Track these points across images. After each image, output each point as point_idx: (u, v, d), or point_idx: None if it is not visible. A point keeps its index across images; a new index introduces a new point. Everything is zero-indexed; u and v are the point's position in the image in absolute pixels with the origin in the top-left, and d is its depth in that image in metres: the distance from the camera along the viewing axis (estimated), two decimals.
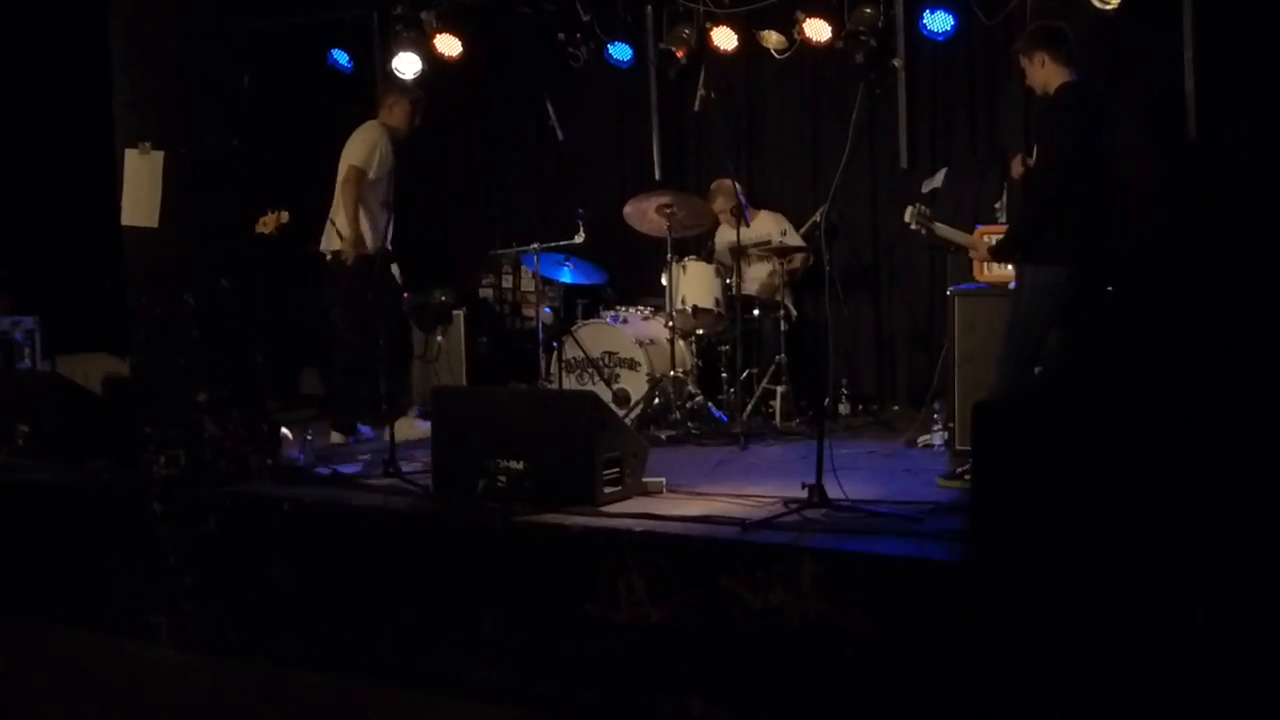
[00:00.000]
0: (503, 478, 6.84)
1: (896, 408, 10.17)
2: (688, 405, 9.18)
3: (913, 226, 7.69)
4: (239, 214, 7.59)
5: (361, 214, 9.08)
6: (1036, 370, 7.16)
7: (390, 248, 9.27)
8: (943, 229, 7.80)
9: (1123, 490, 5.64)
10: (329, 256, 9.21)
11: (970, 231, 7.92)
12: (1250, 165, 8.61)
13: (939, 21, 9.54)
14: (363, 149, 9.13)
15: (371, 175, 9.10)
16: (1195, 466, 5.03)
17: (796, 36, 10.07)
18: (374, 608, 6.83)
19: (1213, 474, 5.02)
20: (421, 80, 11.07)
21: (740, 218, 9.25)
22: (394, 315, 9.46)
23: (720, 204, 9.93)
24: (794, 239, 9.95)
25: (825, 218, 8.95)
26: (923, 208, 7.75)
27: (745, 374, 9.36)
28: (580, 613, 6.19)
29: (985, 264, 7.97)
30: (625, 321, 9.74)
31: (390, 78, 9.99)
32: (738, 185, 9.40)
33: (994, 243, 7.33)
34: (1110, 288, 7.12)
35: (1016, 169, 7.43)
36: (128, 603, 7.46)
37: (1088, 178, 6.83)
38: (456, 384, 10.23)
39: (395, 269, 9.56)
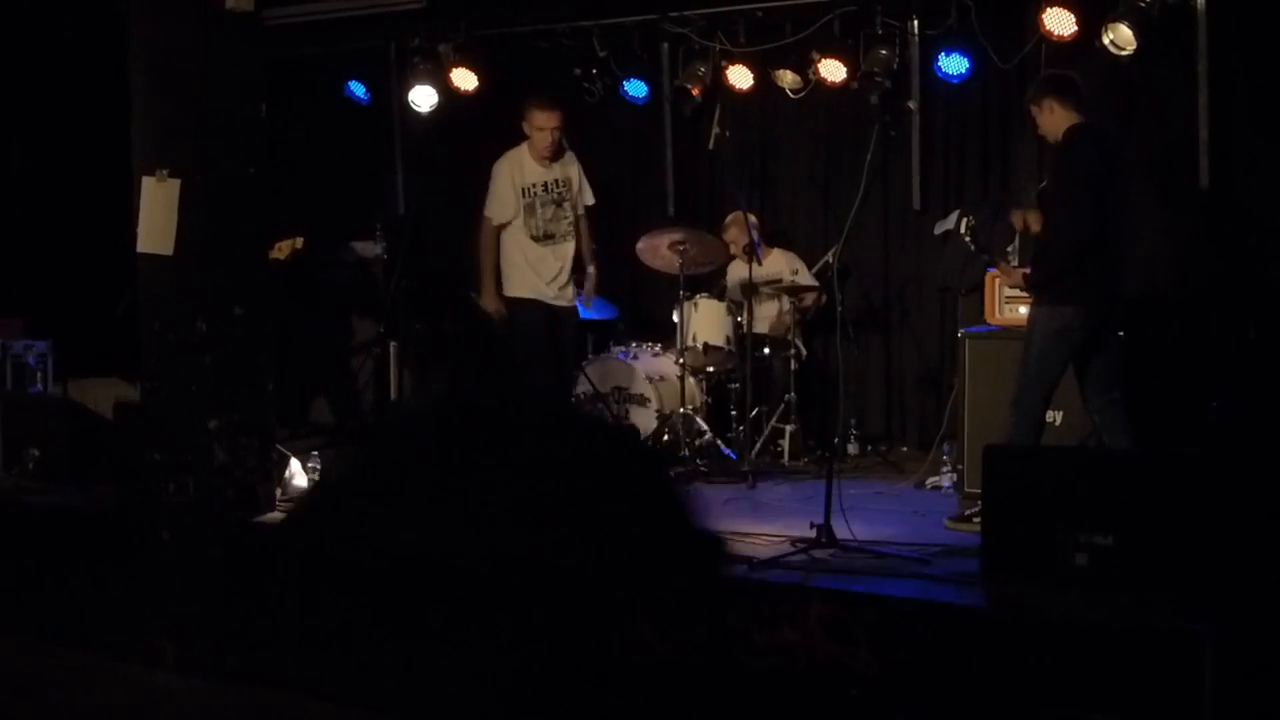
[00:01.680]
0: None
1: (905, 449, 10.16)
2: (696, 442, 9.18)
3: (965, 238, 7.72)
4: (253, 242, 7.61)
5: (508, 257, 8.79)
6: (1052, 416, 7.18)
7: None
8: (989, 248, 7.89)
9: (1137, 534, 5.65)
10: None
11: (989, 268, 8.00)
12: (1261, 214, 8.64)
13: (954, 64, 9.56)
14: (488, 194, 8.84)
15: (496, 220, 8.78)
16: (1208, 510, 5.03)
17: (812, 77, 10.10)
18: (380, 636, 6.82)
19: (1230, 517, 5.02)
20: (437, 113, 11.11)
21: (753, 256, 9.27)
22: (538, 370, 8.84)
23: (733, 234, 9.93)
24: (805, 278, 9.97)
25: (837, 258, 8.97)
26: (973, 219, 7.81)
27: (755, 412, 9.36)
28: (584, 647, 6.18)
29: (1001, 305, 7.99)
30: (636, 357, 9.75)
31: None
32: (752, 221, 9.42)
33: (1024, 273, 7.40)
34: (1121, 331, 7.13)
35: (1019, 222, 7.51)
36: (133, 627, 7.45)
37: (1102, 219, 6.85)
38: None
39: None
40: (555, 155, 8.81)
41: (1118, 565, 5.64)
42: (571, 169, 8.92)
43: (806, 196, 10.76)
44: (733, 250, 9.93)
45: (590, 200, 9.02)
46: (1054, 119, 7.06)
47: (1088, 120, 7.07)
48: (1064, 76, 7.18)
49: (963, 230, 7.71)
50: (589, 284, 9.06)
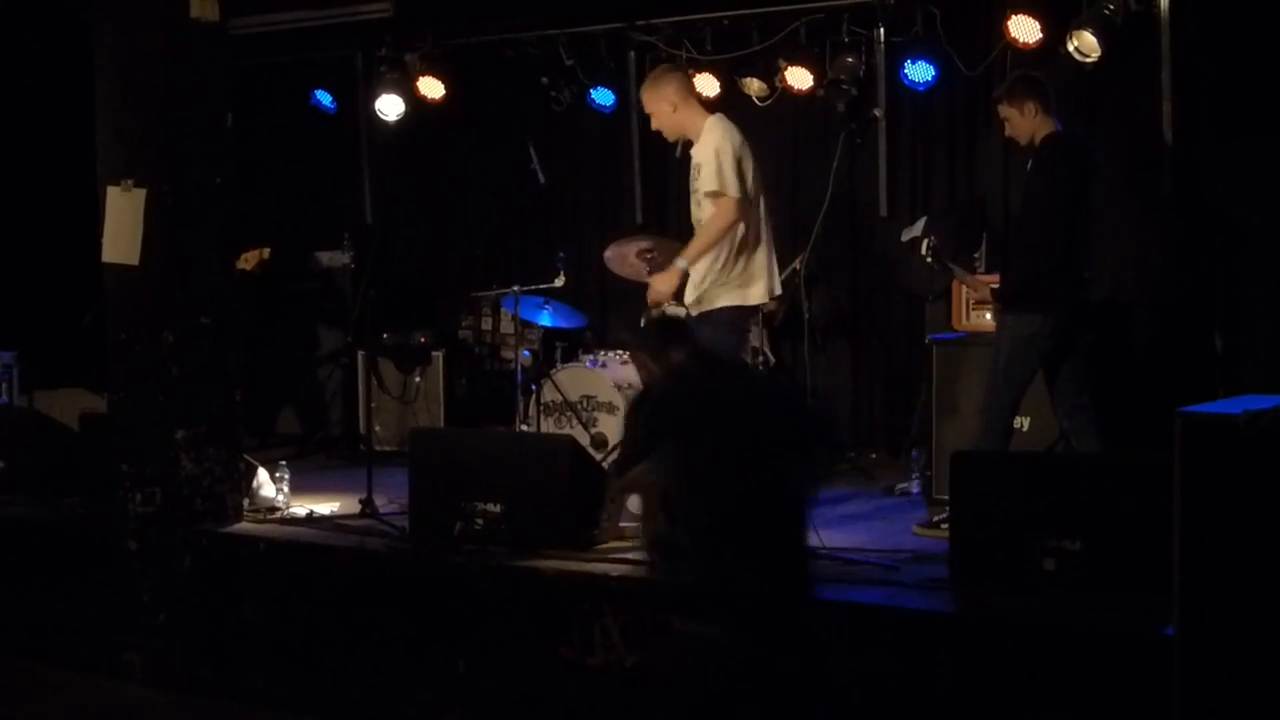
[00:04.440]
0: (479, 520, 6.84)
1: (874, 455, 10.14)
2: None
3: (927, 258, 7.73)
4: (220, 252, 7.59)
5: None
6: (1020, 421, 7.21)
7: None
8: (953, 265, 7.90)
9: (1104, 539, 5.67)
10: None
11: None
12: (1226, 220, 8.68)
13: (920, 71, 9.58)
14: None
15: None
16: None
17: (778, 84, 10.09)
18: (348, 648, 6.81)
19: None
20: (404, 122, 11.10)
21: None
22: None
23: None
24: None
25: (805, 265, 8.95)
26: (934, 239, 7.82)
27: None
28: (555, 656, 6.18)
29: (968, 312, 8.02)
30: (604, 365, 9.71)
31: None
32: None
33: (993, 288, 7.41)
34: (1089, 337, 7.16)
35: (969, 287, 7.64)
36: (101, 640, 7.43)
37: (1071, 228, 6.88)
38: (434, 425, 10.21)
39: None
40: (674, 139, 7.77)
41: (1086, 570, 5.67)
42: (699, 152, 7.53)
43: (774, 203, 10.73)
44: None
45: (708, 186, 7.40)
46: (1033, 122, 7.07)
47: (1064, 128, 7.10)
48: (1039, 79, 7.20)
49: (924, 250, 7.72)
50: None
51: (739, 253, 7.40)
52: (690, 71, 10.25)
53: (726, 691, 4.16)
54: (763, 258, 7.49)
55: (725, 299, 7.40)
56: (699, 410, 4.46)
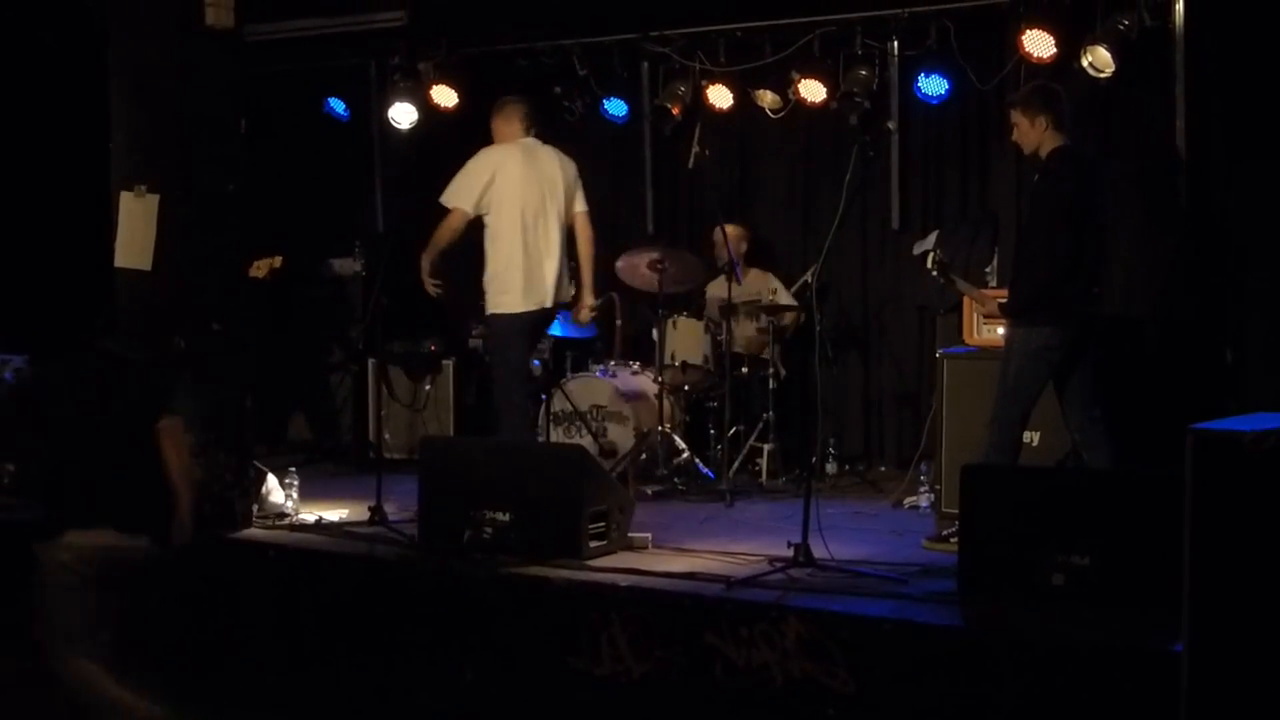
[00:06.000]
0: (488, 529, 6.84)
1: (883, 468, 10.15)
2: (675, 461, 9.17)
3: (933, 272, 7.74)
4: (232, 258, 7.61)
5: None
6: (1030, 436, 7.20)
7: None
8: (958, 280, 7.90)
9: (1114, 554, 5.67)
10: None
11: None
12: (1238, 236, 8.67)
13: (933, 85, 9.59)
14: None
15: None
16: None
17: (791, 96, 10.11)
18: (356, 656, 6.81)
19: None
20: (417, 130, 11.12)
21: (732, 274, 9.27)
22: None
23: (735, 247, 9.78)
24: (784, 297, 9.96)
25: (816, 277, 8.94)
26: (940, 253, 7.83)
27: (733, 431, 9.35)
28: (563, 666, 6.18)
29: (979, 326, 8.01)
30: (614, 375, 9.74)
31: None
32: (729, 242, 9.40)
33: (1000, 302, 7.41)
34: (1100, 351, 7.14)
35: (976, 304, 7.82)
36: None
37: (1079, 242, 6.87)
38: (444, 434, 10.21)
39: None
40: None
41: (1095, 585, 5.66)
42: None
43: (786, 216, 10.76)
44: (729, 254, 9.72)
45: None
46: (1040, 135, 7.04)
47: (1070, 143, 7.08)
48: (1058, 93, 7.18)
49: (929, 264, 7.73)
50: None
51: (509, 264, 8.24)
52: (704, 83, 10.29)
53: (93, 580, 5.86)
54: (537, 269, 8.26)
55: (497, 306, 8.28)
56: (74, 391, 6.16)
